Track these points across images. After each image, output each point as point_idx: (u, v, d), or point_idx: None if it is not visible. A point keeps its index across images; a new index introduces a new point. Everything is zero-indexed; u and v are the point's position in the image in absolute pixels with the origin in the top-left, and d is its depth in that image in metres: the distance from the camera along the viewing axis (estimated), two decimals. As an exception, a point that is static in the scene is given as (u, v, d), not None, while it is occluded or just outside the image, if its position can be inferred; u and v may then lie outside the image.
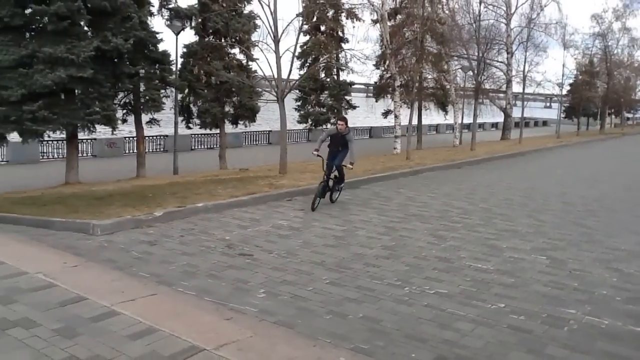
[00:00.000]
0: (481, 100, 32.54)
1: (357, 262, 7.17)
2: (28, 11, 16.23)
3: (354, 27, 48.03)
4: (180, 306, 4.48)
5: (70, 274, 4.90)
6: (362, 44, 49.45)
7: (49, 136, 18.70)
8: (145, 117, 20.43)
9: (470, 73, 30.47)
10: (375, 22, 29.85)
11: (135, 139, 22.53)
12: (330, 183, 10.63)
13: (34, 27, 16.64)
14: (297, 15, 17.84)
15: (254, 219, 9.44)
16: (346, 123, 10.54)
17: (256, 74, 22.56)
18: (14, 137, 17.16)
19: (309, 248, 7.73)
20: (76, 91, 17.04)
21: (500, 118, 44.42)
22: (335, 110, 30.06)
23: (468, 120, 34.94)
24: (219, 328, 3.97)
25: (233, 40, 23.01)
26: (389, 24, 28.60)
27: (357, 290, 6.11)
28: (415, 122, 29.40)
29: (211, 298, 5.70)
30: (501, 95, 39.92)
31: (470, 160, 21.15)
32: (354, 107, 30.94)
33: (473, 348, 4.77)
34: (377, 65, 31.63)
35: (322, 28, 27.96)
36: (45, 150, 25.57)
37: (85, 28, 17.51)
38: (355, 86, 34.79)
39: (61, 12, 15.68)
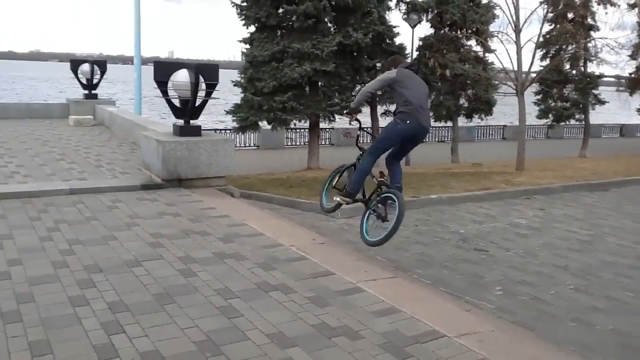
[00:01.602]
0: None
1: (606, 271, 6.54)
2: (280, 11, 17.93)
3: (606, 13, 43.54)
4: (419, 291, 4.55)
5: (318, 250, 5.29)
6: (615, 31, 44.34)
7: (294, 125, 20.44)
8: (379, 109, 21.12)
9: None
10: (632, 6, 26.53)
11: (370, 129, 23.44)
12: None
13: (284, 25, 18.29)
14: (542, 3, 16.77)
15: (489, 215, 9.18)
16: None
17: (493, 65, 21.79)
18: (263, 124, 19.20)
19: (550, 250, 7.28)
20: (319, 83, 18.33)
21: None
22: (581, 105, 27.44)
23: None
24: (458, 317, 3.94)
25: (470, 31, 22.47)
26: (650, 8, 25.25)
27: (606, 300, 5.59)
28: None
29: (446, 289, 5.71)
30: None
31: None
32: (603, 102, 27.85)
33: None
34: (632, 56, 28.10)
35: (570, 15, 25.74)
36: (289, 137, 28.14)
37: (329, 24, 18.71)
38: (604, 79, 31.31)
39: (309, 11, 17.02)
